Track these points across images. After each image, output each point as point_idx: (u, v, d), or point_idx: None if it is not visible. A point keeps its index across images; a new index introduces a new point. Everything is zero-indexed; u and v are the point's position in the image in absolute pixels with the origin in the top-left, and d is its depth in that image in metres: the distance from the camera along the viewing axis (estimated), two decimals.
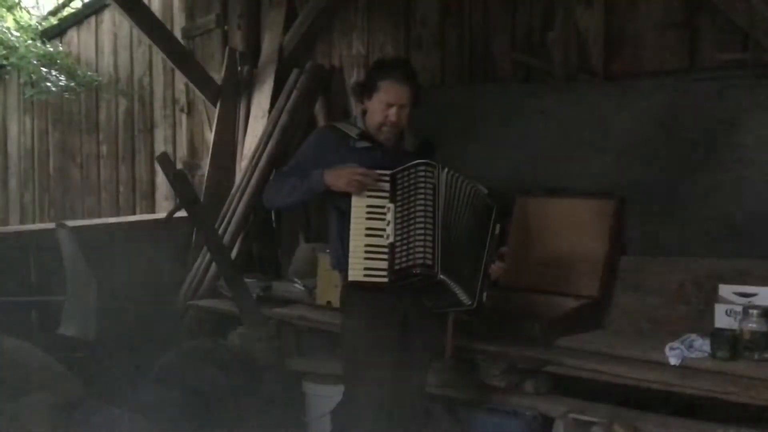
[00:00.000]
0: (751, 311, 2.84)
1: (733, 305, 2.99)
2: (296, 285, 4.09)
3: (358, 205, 2.76)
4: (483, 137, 4.03)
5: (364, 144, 2.89)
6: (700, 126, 3.50)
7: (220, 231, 4.45)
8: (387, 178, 2.77)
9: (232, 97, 4.98)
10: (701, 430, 2.82)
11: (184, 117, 5.66)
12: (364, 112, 2.91)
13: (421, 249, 2.65)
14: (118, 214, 5.97)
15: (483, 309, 2.82)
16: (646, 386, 2.89)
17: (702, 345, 2.90)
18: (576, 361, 3.05)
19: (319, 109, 4.78)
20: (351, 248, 2.73)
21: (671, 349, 2.89)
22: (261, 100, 4.89)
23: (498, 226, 2.91)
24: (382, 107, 2.81)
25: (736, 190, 3.35)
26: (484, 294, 2.83)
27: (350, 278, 2.74)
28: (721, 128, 3.45)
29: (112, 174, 6.21)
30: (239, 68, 5.00)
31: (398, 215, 2.72)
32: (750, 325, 2.84)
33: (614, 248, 3.50)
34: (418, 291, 2.79)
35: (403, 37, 4.60)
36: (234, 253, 4.48)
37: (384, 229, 2.73)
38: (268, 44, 4.97)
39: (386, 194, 2.76)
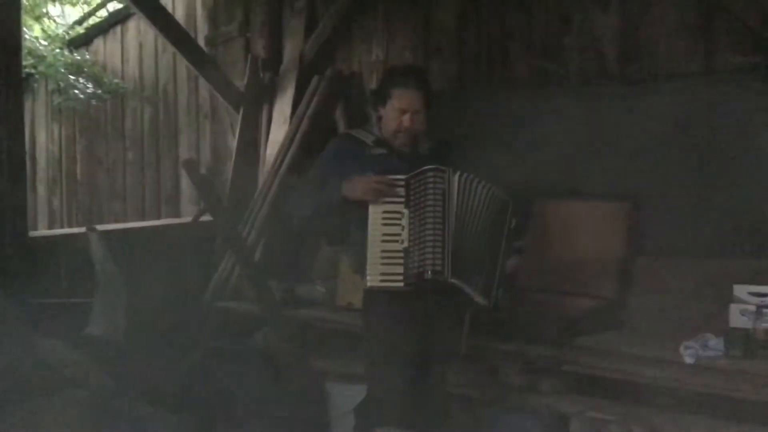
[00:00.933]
0: (764, 311, 2.90)
1: (748, 305, 3.04)
2: (318, 287, 4.18)
3: (375, 212, 2.85)
4: (500, 141, 4.07)
5: (380, 151, 2.97)
6: (714, 128, 3.54)
7: (244, 234, 4.55)
8: (402, 183, 2.85)
9: (254, 103, 5.08)
10: (716, 428, 2.86)
11: (207, 123, 5.78)
12: (379, 119, 2.99)
13: (431, 254, 2.73)
14: (143, 219, 6.09)
15: (499, 306, 2.88)
16: (661, 384, 2.95)
17: (716, 344, 2.95)
18: (592, 360, 3.11)
19: (339, 114, 4.86)
20: (368, 254, 2.83)
21: (686, 348, 2.94)
22: (283, 107, 4.98)
23: (514, 221, 2.96)
24: (396, 114, 2.90)
25: (751, 192, 3.39)
26: (500, 291, 2.90)
27: (368, 284, 2.84)
28: (735, 131, 3.49)
29: (137, 179, 6.34)
30: (261, 75, 5.10)
31: (412, 220, 2.81)
32: (764, 324, 2.89)
33: (630, 249, 3.56)
34: (435, 292, 2.86)
35: (421, 42, 4.67)
36: (257, 256, 4.58)
37: (399, 234, 2.82)
38: (290, 51, 5.07)
39: (401, 199, 2.85)
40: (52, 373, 2.85)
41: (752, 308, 2.98)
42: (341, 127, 4.78)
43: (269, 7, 5.17)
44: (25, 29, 6.88)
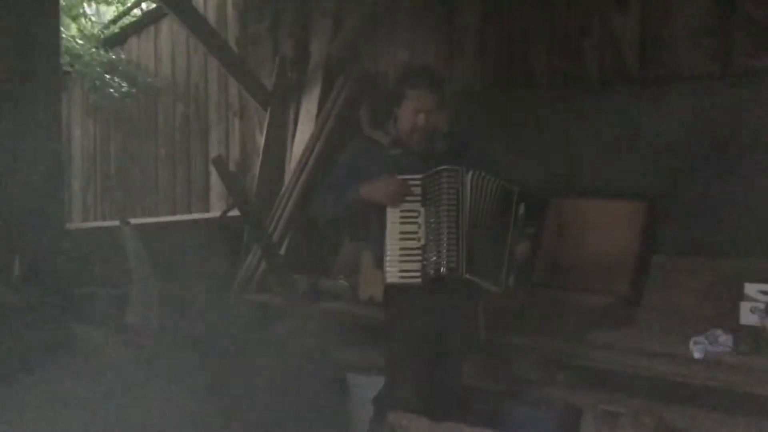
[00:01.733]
0: None
1: (758, 303, 3.11)
2: (341, 281, 4.31)
3: (393, 211, 2.96)
4: (520, 140, 4.17)
5: (397, 151, 3.08)
6: (731, 130, 3.61)
7: (270, 230, 4.69)
8: (418, 183, 2.96)
9: (282, 102, 5.22)
10: (724, 422, 2.94)
11: (237, 121, 5.92)
12: (395, 119, 3.09)
13: (446, 251, 2.85)
14: (174, 213, 6.26)
15: (510, 291, 2.98)
16: (671, 379, 3.03)
17: (726, 340, 3.03)
18: (604, 355, 3.21)
19: (363, 113, 4.97)
20: (387, 251, 2.94)
21: (695, 343, 3.02)
22: (309, 106, 5.11)
23: (522, 206, 3.04)
24: (411, 114, 2.99)
25: (764, 192, 3.46)
26: (511, 277, 3.00)
27: (387, 280, 2.96)
28: (751, 132, 3.56)
29: (169, 175, 6.51)
30: (289, 75, 5.24)
31: (428, 218, 2.92)
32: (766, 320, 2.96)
33: (645, 248, 3.64)
34: (452, 287, 2.97)
35: (445, 43, 4.77)
36: (283, 251, 4.72)
37: (417, 232, 2.94)
38: (316, 52, 5.19)
39: (418, 199, 2.95)
40: (86, 357, 3.01)
41: (762, 306, 3.05)
42: (365, 125, 4.90)
43: (297, 9, 5.29)
44: (62, 29, 7.12)
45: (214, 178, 5.89)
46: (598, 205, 3.81)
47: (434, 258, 2.90)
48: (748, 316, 3.13)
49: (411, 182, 2.98)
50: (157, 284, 3.72)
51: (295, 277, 4.28)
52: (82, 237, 4.47)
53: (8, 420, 2.68)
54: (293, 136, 5.15)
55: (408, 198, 2.97)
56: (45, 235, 3.97)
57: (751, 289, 3.20)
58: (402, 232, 2.97)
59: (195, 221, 5.08)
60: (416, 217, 2.96)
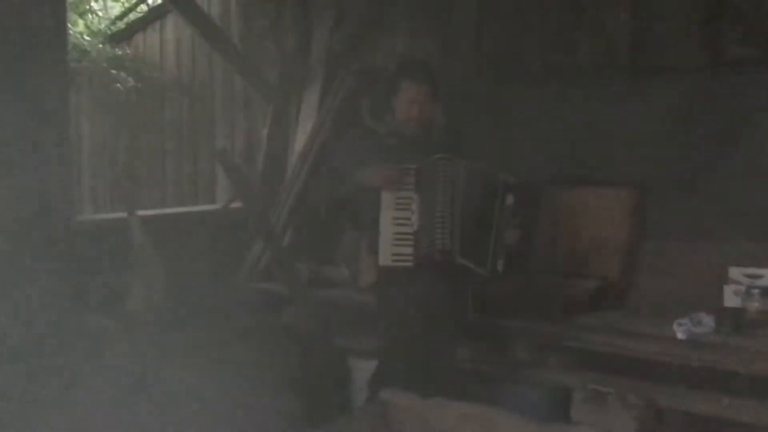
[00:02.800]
0: (753, 290, 3.09)
1: (741, 285, 3.22)
2: (342, 269, 4.43)
3: (388, 197, 3.09)
4: (515, 131, 4.29)
5: (394, 140, 3.21)
6: (717, 118, 3.72)
7: (274, 219, 4.82)
8: (413, 171, 3.09)
9: (284, 95, 5.34)
10: (708, 400, 3.06)
11: (242, 114, 6.05)
12: (392, 110, 3.22)
13: (440, 236, 2.98)
14: (181, 205, 6.39)
15: (498, 275, 3.11)
16: (656, 359, 3.15)
17: (708, 321, 3.15)
18: (592, 336, 3.33)
19: (364, 105, 5.08)
20: (381, 236, 3.07)
21: (679, 324, 3.14)
22: (311, 99, 5.23)
23: (509, 197, 3.17)
24: (405, 105, 3.13)
25: (751, 179, 3.56)
26: (500, 262, 3.12)
27: (380, 263, 3.09)
28: (737, 120, 3.66)
29: (176, 168, 6.64)
30: (291, 69, 5.36)
31: (422, 205, 3.04)
32: (752, 303, 3.08)
33: (635, 233, 3.76)
34: (443, 270, 3.10)
35: (442, 36, 4.87)
36: (286, 240, 4.85)
37: (410, 218, 3.07)
38: (318, 46, 5.31)
39: (412, 186, 3.08)
40: (93, 341, 3.15)
41: (743, 288, 3.16)
42: (366, 117, 5.01)
43: (298, 4, 5.41)
44: (69, 25, 7.25)
45: (220, 170, 6.00)
46: (590, 192, 3.92)
47: (427, 242, 3.03)
48: (731, 299, 3.25)
49: (406, 170, 3.11)
50: (162, 272, 3.84)
51: (297, 265, 4.40)
52: (91, 228, 4.61)
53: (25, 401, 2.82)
54: (296, 129, 5.27)
55: (402, 185, 3.10)
56: (55, 226, 4.12)
57: (734, 272, 3.32)
58: (396, 218, 3.10)
59: (200, 212, 5.21)
60: (410, 204, 3.09)
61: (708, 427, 2.99)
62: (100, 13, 8.30)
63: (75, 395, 2.87)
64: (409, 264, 3.07)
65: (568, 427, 2.10)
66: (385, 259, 3.10)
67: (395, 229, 3.09)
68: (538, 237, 3.97)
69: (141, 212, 4.46)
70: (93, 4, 8.25)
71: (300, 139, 5.17)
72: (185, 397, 3.24)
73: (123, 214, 4.44)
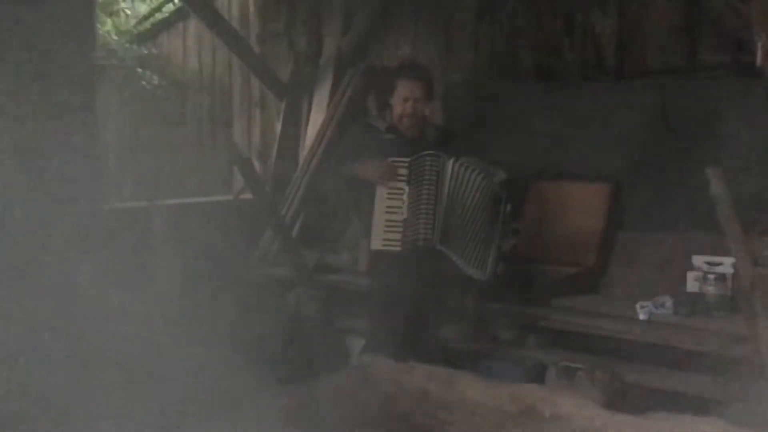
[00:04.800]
0: (709, 276, 3.38)
1: (701, 272, 3.52)
2: (345, 256, 4.78)
3: (382, 188, 3.43)
4: (507, 128, 4.59)
5: (391, 136, 3.54)
6: (691, 119, 4.01)
7: (284, 211, 5.18)
8: (405, 165, 3.42)
9: (296, 93, 5.70)
10: (667, 375, 3.36)
11: (258, 112, 6.39)
12: (390, 107, 3.55)
13: (423, 224, 3.31)
14: (200, 196, 6.76)
15: (497, 279, 3.43)
16: (620, 337, 3.47)
17: (670, 304, 3.45)
18: (564, 317, 3.65)
19: (370, 103, 5.43)
20: (374, 222, 3.41)
21: (641, 307, 3.45)
22: (321, 96, 5.58)
23: (509, 206, 3.49)
24: (400, 101, 3.46)
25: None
26: (499, 266, 3.44)
27: (372, 247, 3.43)
28: (708, 121, 3.95)
29: (196, 162, 7.02)
30: (303, 69, 5.71)
31: (411, 196, 3.38)
32: (708, 288, 3.37)
33: (610, 225, 4.06)
34: (430, 258, 3.43)
35: (443, 39, 5.20)
36: (296, 229, 5.21)
37: (400, 207, 3.40)
38: (328, 47, 5.66)
39: (404, 178, 3.42)
40: (120, 321, 3.52)
41: (701, 274, 3.46)
42: (372, 113, 5.34)
43: (310, 8, 5.76)
44: (98, 24, 7.66)
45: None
46: (570, 186, 4.23)
47: (413, 229, 3.37)
48: (693, 284, 3.54)
49: (399, 164, 3.45)
50: (180, 258, 4.22)
51: (303, 253, 4.75)
52: (117, 216, 5.00)
53: None
54: (306, 125, 5.62)
55: (396, 177, 3.44)
56: (83, 214, 4.50)
57: (698, 260, 3.61)
58: (388, 207, 3.44)
59: (214, 203, 5.58)
60: (401, 194, 3.43)
61: (665, 400, 3.28)
62: (128, 12, 8.72)
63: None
64: (398, 249, 3.40)
65: (519, 387, 2.40)
66: (376, 243, 3.44)
67: (386, 217, 3.43)
68: (523, 227, 4.28)
69: (159, 201, 4.86)
70: (122, 3, 8.67)
71: (310, 135, 5.51)
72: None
73: (144, 203, 4.84)
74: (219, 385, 3.05)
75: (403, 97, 3.47)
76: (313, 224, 5.31)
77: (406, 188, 3.42)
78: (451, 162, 3.41)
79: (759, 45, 3.40)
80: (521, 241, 4.26)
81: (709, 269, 3.48)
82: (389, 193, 3.44)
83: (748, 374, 2.93)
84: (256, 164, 6.08)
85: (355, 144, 3.63)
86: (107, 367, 3.13)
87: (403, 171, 3.43)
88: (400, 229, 3.40)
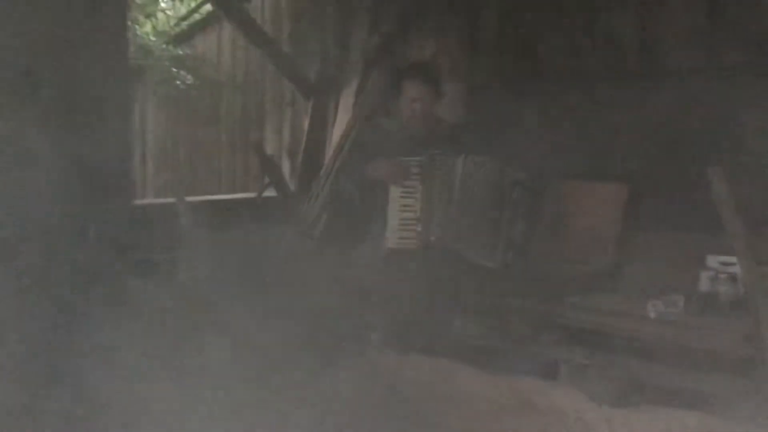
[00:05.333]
0: (720, 276, 3.39)
1: (714, 272, 3.53)
2: (366, 252, 4.86)
3: (396, 187, 3.51)
4: (527, 128, 4.65)
5: (402, 136, 3.63)
6: (707, 118, 4.02)
7: (309, 208, 5.29)
8: (417, 164, 3.50)
9: (323, 93, 5.81)
10: (676, 374, 3.38)
11: (289, 110, 6.54)
12: (399, 108, 3.64)
13: (436, 221, 3.39)
14: (234, 193, 6.93)
15: (508, 266, 3.49)
16: (632, 335, 3.50)
17: (681, 304, 3.47)
18: (576, 315, 3.69)
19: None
20: (389, 221, 3.50)
21: (652, 305, 3.47)
22: (348, 96, 5.67)
23: (516, 191, 3.53)
24: (407, 102, 3.54)
25: (735, 175, 3.84)
26: (509, 254, 3.50)
27: (387, 245, 3.52)
28: (726, 121, 3.96)
29: (230, 160, 7.19)
30: (330, 69, 5.82)
31: (424, 194, 3.46)
32: (720, 287, 3.39)
33: (627, 224, 4.08)
34: (444, 253, 3.51)
35: (467, 41, 5.27)
36: (321, 226, 5.32)
37: (414, 205, 3.48)
38: (355, 48, 5.75)
39: (417, 177, 3.50)
40: (146, 307, 3.68)
41: (713, 274, 3.48)
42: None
43: (339, 8, 5.86)
44: (137, 26, 7.89)
45: None
46: (587, 186, 4.26)
47: (426, 227, 3.45)
48: (706, 284, 3.56)
49: (411, 163, 3.53)
50: (206, 250, 4.36)
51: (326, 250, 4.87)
52: (147, 211, 5.17)
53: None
54: (333, 123, 5.73)
55: (409, 176, 3.52)
56: (114, 209, 4.67)
57: (712, 260, 3.62)
58: (402, 205, 3.52)
59: (238, 200, 5.74)
60: (414, 193, 3.51)
61: (673, 398, 3.31)
62: (169, 12, 8.95)
63: None
64: (413, 246, 3.48)
65: (517, 380, 2.47)
66: (392, 242, 3.53)
67: (401, 216, 3.51)
68: (541, 226, 4.33)
69: (189, 198, 5.02)
70: (163, 4, 8.91)
71: (336, 132, 5.62)
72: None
73: (173, 200, 5.00)
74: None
75: (411, 98, 3.54)
76: (337, 222, 5.41)
77: (420, 187, 3.49)
78: (461, 159, 3.47)
79: None
80: (537, 241, 4.34)
81: (721, 269, 3.49)
82: (403, 192, 3.52)
83: (754, 373, 2.94)
84: (286, 163, 6.25)
85: (368, 145, 3.71)
86: None
87: (416, 170, 3.51)
88: (415, 227, 3.47)
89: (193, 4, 8.49)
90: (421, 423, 2.47)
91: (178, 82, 7.02)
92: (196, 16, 7.98)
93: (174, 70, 7.05)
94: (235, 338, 3.53)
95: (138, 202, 5.37)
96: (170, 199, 6.18)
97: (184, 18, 8.11)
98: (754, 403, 2.69)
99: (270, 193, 5.03)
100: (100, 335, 3.33)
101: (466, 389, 2.49)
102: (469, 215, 3.46)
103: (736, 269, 3.45)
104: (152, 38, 7.52)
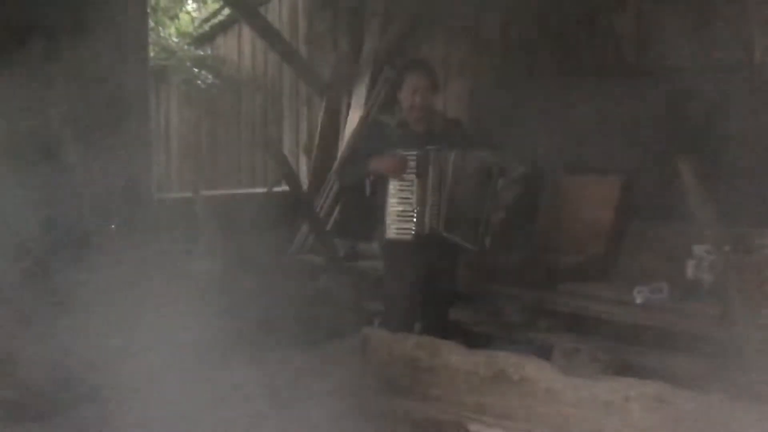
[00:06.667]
0: (703, 264, 3.55)
1: (698, 260, 3.69)
2: (374, 244, 5.08)
3: (394, 180, 3.71)
4: (529, 124, 4.81)
5: (401, 131, 3.82)
6: (698, 113, 4.18)
7: (322, 202, 5.52)
8: (414, 158, 3.69)
9: (336, 91, 6.04)
10: (662, 357, 3.55)
11: (305, 109, 6.77)
12: (399, 102, 3.82)
13: (429, 213, 3.58)
14: (254, 188, 7.17)
15: (486, 249, 3.68)
16: (620, 320, 3.67)
17: (666, 290, 3.64)
18: (568, 301, 3.87)
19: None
20: (387, 212, 3.70)
21: (638, 292, 3.64)
22: (359, 94, 5.89)
23: (501, 181, 3.71)
24: (409, 94, 3.71)
25: (722, 166, 4.01)
26: (487, 239, 3.68)
27: (386, 236, 3.71)
28: (713, 116, 4.11)
29: (249, 156, 7.43)
30: (343, 68, 6.04)
31: (419, 188, 3.65)
32: (703, 274, 3.55)
33: (621, 216, 4.26)
34: (438, 242, 3.71)
35: (473, 41, 5.46)
36: (332, 220, 5.55)
37: (410, 198, 3.66)
38: (367, 48, 5.97)
39: (413, 171, 3.68)
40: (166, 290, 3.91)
41: (698, 262, 3.64)
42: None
43: (351, 12, 6.09)
44: (160, 27, 8.18)
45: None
46: (586, 179, 4.44)
47: (421, 219, 3.64)
48: (692, 271, 3.72)
49: (408, 157, 3.72)
50: (222, 241, 4.60)
51: (337, 242, 5.09)
52: (167, 205, 5.43)
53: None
54: (346, 120, 5.95)
55: (407, 170, 3.71)
56: (136, 202, 4.92)
57: (698, 249, 3.78)
58: (399, 198, 3.71)
59: (250, 194, 5.99)
60: (411, 186, 3.70)
61: (656, 377, 3.47)
62: (194, 14, 9.24)
63: None
64: (409, 237, 3.68)
65: (493, 353, 2.66)
66: (390, 232, 3.73)
67: (398, 208, 3.71)
68: (542, 218, 4.51)
69: (206, 192, 5.27)
70: (188, 6, 9.19)
71: (348, 130, 5.84)
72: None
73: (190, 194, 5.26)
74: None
75: (411, 89, 3.72)
76: (347, 215, 5.63)
77: (415, 180, 3.68)
78: (453, 155, 3.65)
79: (756, 43, 3.56)
80: (539, 231, 4.53)
81: (705, 257, 3.64)
82: (400, 185, 3.70)
83: (728, 353, 3.11)
84: (303, 159, 6.50)
85: (370, 141, 3.92)
86: None
87: (412, 164, 3.69)
88: (411, 219, 3.67)
89: (215, 7, 8.79)
90: (400, 389, 2.68)
91: (199, 82, 7.27)
92: (218, 18, 8.30)
93: (195, 70, 7.30)
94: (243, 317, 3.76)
95: (158, 196, 5.62)
96: (184, 194, 6.49)
97: (206, 20, 8.38)
98: (720, 377, 2.86)
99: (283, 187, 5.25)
100: None
101: (448, 363, 2.68)
102: (458, 206, 3.64)
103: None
104: (175, 39, 7.78)
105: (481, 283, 4.21)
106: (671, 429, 2.19)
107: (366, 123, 4.28)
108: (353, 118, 5.86)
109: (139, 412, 2.70)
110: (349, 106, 5.98)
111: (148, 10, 5.38)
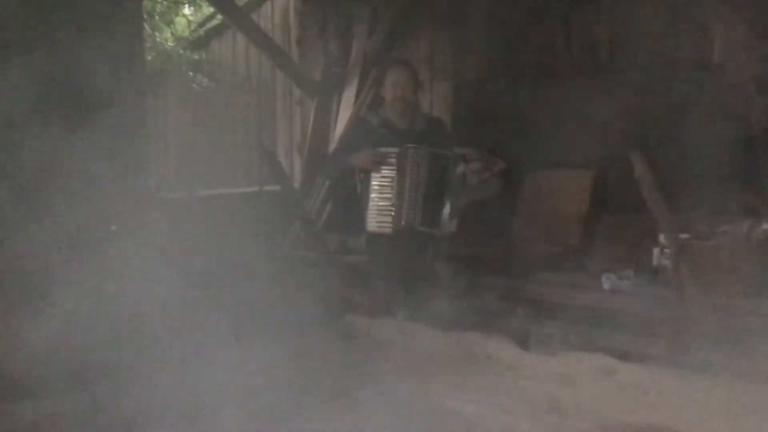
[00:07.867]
0: (665, 250, 3.77)
1: (660, 248, 3.91)
2: (362, 239, 5.29)
3: (375, 176, 3.94)
4: (508, 121, 5.04)
5: (384, 130, 4.05)
6: (661, 109, 4.40)
7: (313, 199, 5.75)
8: (394, 155, 3.92)
9: (327, 92, 6.26)
10: (630, 339, 3.76)
11: (298, 110, 6.99)
12: (382, 100, 4.04)
13: (406, 208, 3.81)
14: (249, 188, 7.39)
15: (451, 235, 3.90)
16: (588, 305, 3.89)
17: (632, 276, 3.86)
18: (541, 289, 4.09)
19: None
20: (369, 207, 3.93)
21: (606, 278, 3.86)
22: (349, 94, 6.12)
23: (460, 167, 3.93)
24: (391, 88, 3.95)
25: (681, 159, 4.23)
26: (452, 223, 3.91)
27: (368, 229, 3.94)
28: (675, 111, 4.34)
29: (245, 156, 7.66)
30: (333, 69, 6.26)
31: (398, 184, 3.88)
32: (666, 261, 3.76)
33: (594, 208, 4.48)
34: (414, 235, 3.93)
35: (459, 42, 5.68)
36: (325, 214, 5.78)
37: (390, 193, 3.90)
38: (356, 50, 6.19)
39: (393, 168, 3.91)
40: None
41: (660, 250, 3.86)
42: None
43: (340, 15, 6.31)
44: (156, 33, 8.40)
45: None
46: (559, 173, 4.66)
47: (398, 213, 3.87)
48: (656, 259, 3.94)
49: (388, 154, 3.95)
50: (215, 239, 4.82)
51: (328, 237, 5.31)
52: (163, 204, 5.64)
53: None
54: (335, 121, 6.18)
55: (387, 167, 3.94)
56: (133, 201, 5.13)
57: (663, 237, 3.99)
58: (380, 193, 3.94)
59: (241, 193, 6.21)
60: (390, 182, 3.93)
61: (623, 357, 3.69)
62: (191, 18, 9.46)
63: None
64: (389, 230, 3.91)
65: (463, 334, 2.88)
66: (371, 225, 3.96)
67: (379, 203, 3.94)
68: (519, 211, 4.74)
69: (199, 192, 5.49)
70: (184, 11, 9.42)
71: (339, 129, 6.06)
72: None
73: (185, 194, 5.48)
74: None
75: (393, 83, 3.95)
76: (338, 211, 5.85)
77: (395, 176, 3.91)
78: (429, 151, 3.88)
79: (716, 42, 3.77)
80: (518, 223, 4.75)
81: (666, 244, 3.86)
82: (381, 181, 3.94)
83: (681, 333, 3.33)
84: (297, 158, 6.72)
85: (353, 138, 4.15)
86: None
87: (392, 160, 3.92)
88: (390, 213, 3.90)
89: (210, 11, 9.00)
90: (377, 368, 2.90)
91: (195, 85, 7.49)
92: (213, 23, 8.52)
93: (191, 73, 7.52)
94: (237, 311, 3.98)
95: (155, 195, 5.83)
96: (179, 194, 6.71)
97: (201, 24, 8.60)
98: (678, 354, 3.08)
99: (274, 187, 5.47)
100: None
101: (423, 345, 2.90)
102: (434, 200, 3.87)
103: None
104: (171, 44, 8.00)
105: (462, 273, 4.41)
106: (617, 396, 2.41)
107: (353, 121, 4.50)
108: (343, 118, 6.08)
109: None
110: (339, 106, 6.20)
111: (144, 16, 5.57)
